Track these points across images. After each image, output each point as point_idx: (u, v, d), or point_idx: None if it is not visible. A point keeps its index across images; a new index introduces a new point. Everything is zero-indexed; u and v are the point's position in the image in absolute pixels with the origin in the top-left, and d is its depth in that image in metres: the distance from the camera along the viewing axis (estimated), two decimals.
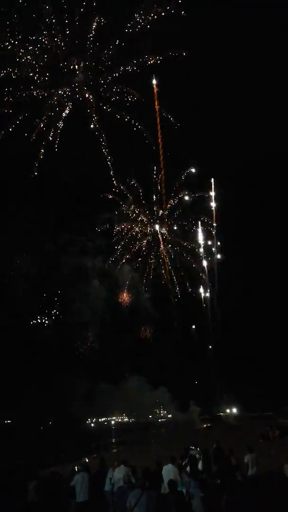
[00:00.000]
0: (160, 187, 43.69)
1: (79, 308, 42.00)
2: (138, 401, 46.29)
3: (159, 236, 46.32)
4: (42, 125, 35.85)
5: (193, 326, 50.51)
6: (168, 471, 9.65)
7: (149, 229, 46.16)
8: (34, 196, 41.50)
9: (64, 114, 36.19)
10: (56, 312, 45.61)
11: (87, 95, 36.11)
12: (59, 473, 12.16)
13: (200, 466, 11.48)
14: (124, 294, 46.14)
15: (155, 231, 46.15)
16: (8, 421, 46.62)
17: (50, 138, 36.15)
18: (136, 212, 45.13)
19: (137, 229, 45.78)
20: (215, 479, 10.44)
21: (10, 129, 34.85)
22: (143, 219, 45.69)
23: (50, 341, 42.50)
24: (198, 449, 13.60)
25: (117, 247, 45.67)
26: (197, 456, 12.28)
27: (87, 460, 11.60)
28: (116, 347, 44.64)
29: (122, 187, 43.16)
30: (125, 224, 45.30)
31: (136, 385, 44.07)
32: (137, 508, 6.56)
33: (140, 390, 44.34)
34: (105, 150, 38.11)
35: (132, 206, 44.52)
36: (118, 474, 9.97)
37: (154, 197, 44.99)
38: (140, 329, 47.66)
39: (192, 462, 10.99)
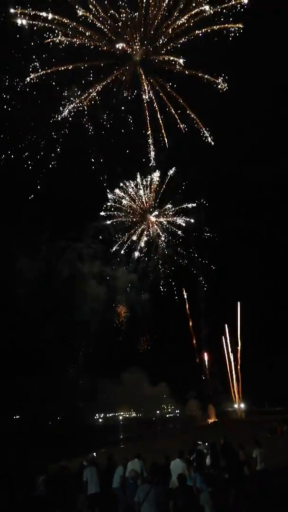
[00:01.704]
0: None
1: (79, 309, 42.91)
2: (139, 394, 46.68)
3: (154, 228, 46.83)
4: (42, 145, 38.02)
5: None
6: (176, 466, 9.62)
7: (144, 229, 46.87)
8: (33, 207, 42.81)
9: (61, 137, 38.39)
10: (56, 313, 46.23)
11: (82, 120, 37.92)
12: (68, 468, 12.19)
13: (208, 461, 11.44)
14: (122, 311, 46.88)
15: (153, 236, 46.97)
16: (17, 417, 47.13)
17: (50, 165, 38.51)
18: (133, 220, 45.99)
19: (134, 237, 46.78)
20: (223, 474, 10.40)
21: (12, 156, 36.66)
22: (139, 228, 46.56)
23: (51, 340, 43.09)
24: (206, 444, 13.55)
25: (115, 253, 46.87)
26: (205, 451, 12.24)
27: (94, 455, 11.59)
28: (116, 350, 45.19)
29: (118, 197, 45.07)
30: (121, 231, 46.44)
31: (136, 378, 44.42)
32: (146, 503, 6.54)
33: (140, 383, 44.75)
34: (101, 166, 40.70)
35: (129, 216, 45.52)
36: (131, 467, 9.99)
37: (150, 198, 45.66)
38: (138, 340, 48.01)
39: (199, 457, 10.95)
